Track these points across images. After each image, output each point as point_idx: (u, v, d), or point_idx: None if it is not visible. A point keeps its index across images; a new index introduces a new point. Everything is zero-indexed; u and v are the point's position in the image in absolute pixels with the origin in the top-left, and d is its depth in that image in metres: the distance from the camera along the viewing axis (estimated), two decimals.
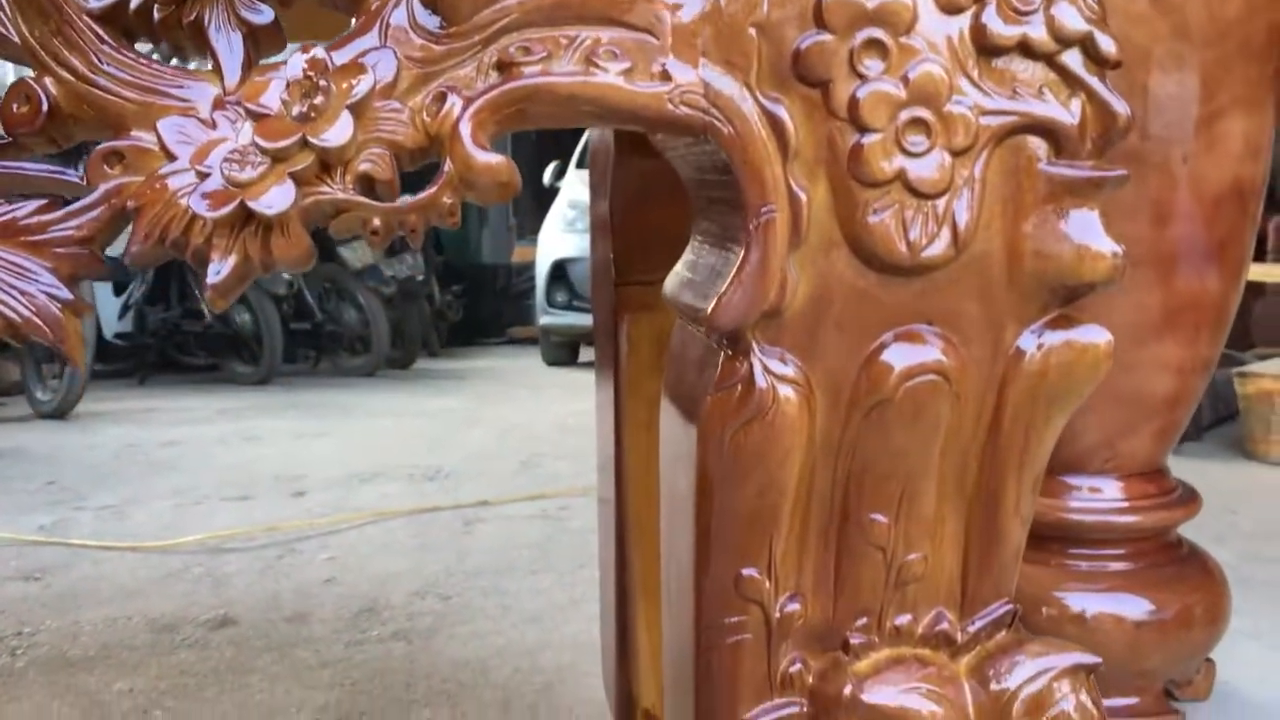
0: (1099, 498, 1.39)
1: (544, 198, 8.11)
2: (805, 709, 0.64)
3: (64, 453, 3.66)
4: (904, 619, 0.64)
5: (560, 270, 6.97)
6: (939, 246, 0.58)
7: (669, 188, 0.80)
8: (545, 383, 5.91)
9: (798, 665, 0.64)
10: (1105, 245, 0.59)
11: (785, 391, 0.59)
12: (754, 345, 0.59)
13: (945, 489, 0.62)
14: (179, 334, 6.46)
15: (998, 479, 0.63)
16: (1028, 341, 0.61)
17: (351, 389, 5.83)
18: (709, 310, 0.58)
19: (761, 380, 0.59)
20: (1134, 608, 1.36)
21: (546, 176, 8.40)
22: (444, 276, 8.67)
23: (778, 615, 0.63)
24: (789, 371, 0.59)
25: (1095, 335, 0.61)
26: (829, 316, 0.59)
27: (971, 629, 0.64)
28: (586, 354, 6.60)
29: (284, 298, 6.47)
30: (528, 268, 8.63)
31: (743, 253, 0.58)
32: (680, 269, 0.71)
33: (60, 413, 4.63)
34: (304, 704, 1.58)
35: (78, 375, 4.63)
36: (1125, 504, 1.39)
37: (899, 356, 0.59)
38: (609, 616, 1.18)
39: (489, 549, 2.38)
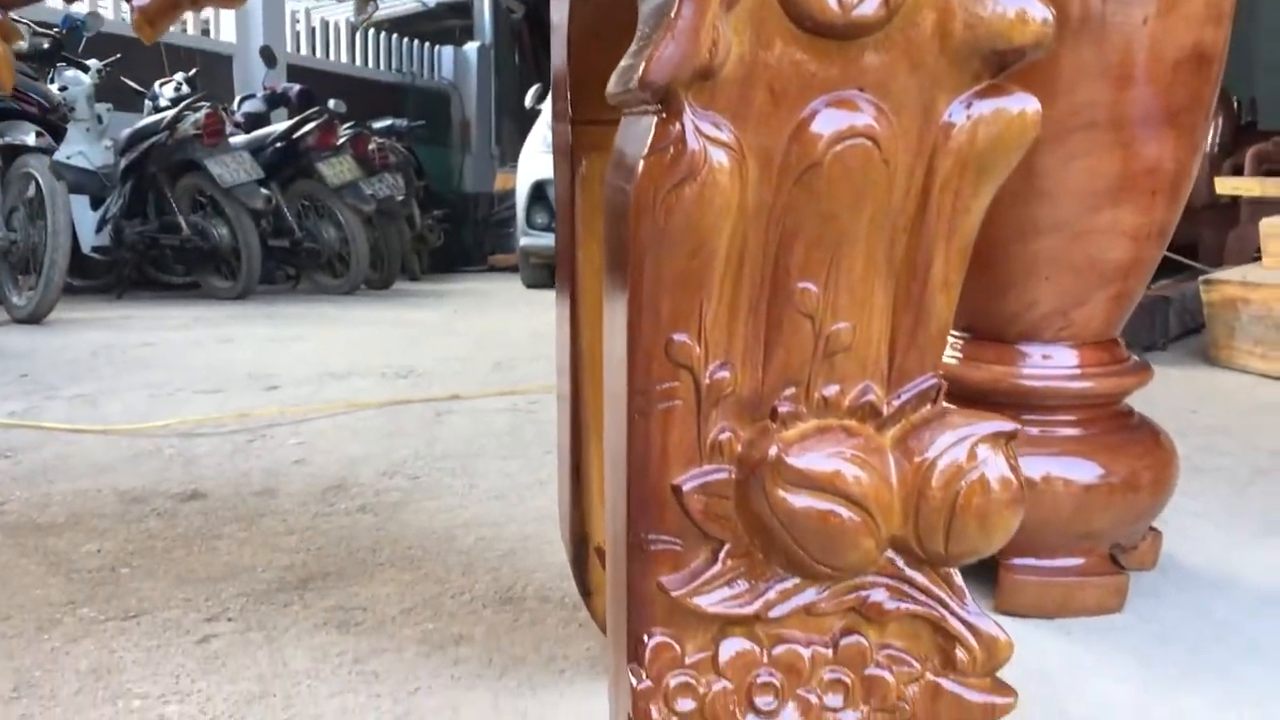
0: (1052, 364, 1.41)
1: (527, 126, 8.06)
2: (733, 475, 0.65)
3: (38, 352, 3.65)
4: (831, 390, 0.65)
5: (540, 191, 6.95)
6: (870, 6, 0.58)
7: (624, 26, 0.80)
8: (523, 300, 5.92)
9: (727, 434, 0.65)
10: (1037, 10, 0.60)
11: (717, 155, 0.60)
12: (687, 107, 0.60)
13: (874, 259, 0.63)
14: (156, 248, 6.42)
15: (926, 250, 0.64)
16: (958, 111, 0.62)
17: (329, 303, 5.82)
18: (641, 68, 0.59)
19: (694, 142, 0.59)
20: (1082, 471, 1.39)
21: (528, 100, 8.35)
22: (426, 202, 8.63)
23: (707, 382, 0.64)
24: (722, 135, 0.60)
25: (1024, 102, 0.62)
26: (761, 81, 0.60)
27: (897, 402, 0.66)
28: None
29: (262, 213, 6.43)
30: (510, 195, 8.61)
31: (676, 7, 0.58)
32: (624, 60, 0.72)
33: (35, 318, 4.62)
34: (270, 564, 1.60)
35: (53, 281, 4.61)
36: (1078, 370, 1.41)
37: (830, 122, 0.60)
38: (565, 467, 1.20)
39: (459, 436, 2.39)
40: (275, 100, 7.67)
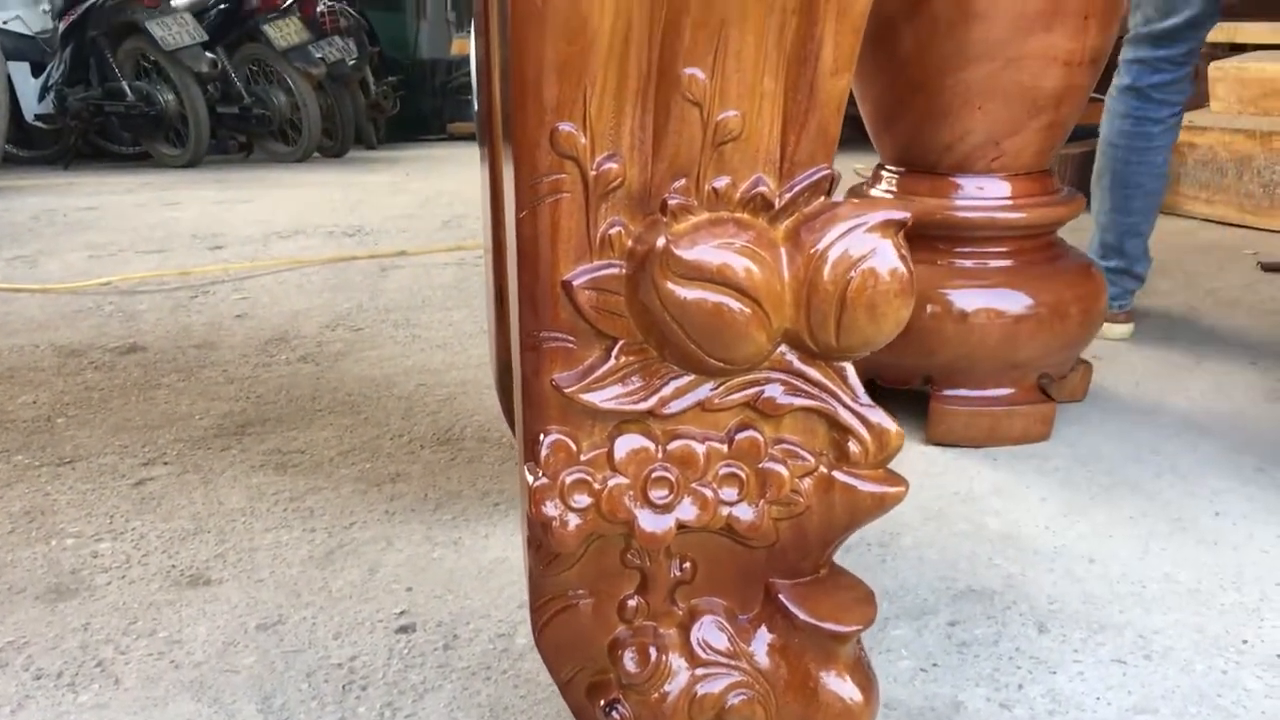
0: (984, 195, 1.40)
1: None
2: (624, 269, 0.64)
3: None
4: (722, 181, 0.64)
5: None
6: None
7: None
8: (478, 165, 5.82)
9: (617, 228, 0.64)
10: None
11: None
12: None
13: (763, 43, 0.62)
14: (101, 116, 6.23)
15: (816, 31, 0.62)
16: None
17: (281, 169, 5.71)
18: None
19: None
20: (1012, 302, 1.40)
21: None
22: (380, 68, 8.39)
23: (594, 173, 0.63)
24: None
25: None
26: None
27: (789, 193, 0.65)
28: None
29: (208, 77, 6.24)
30: (467, 61, 8.38)
31: None
32: None
33: None
34: (208, 412, 1.60)
35: None
36: (1010, 201, 1.40)
37: None
38: (490, 294, 1.19)
39: (403, 289, 2.38)
40: None
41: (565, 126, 0.62)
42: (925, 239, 1.44)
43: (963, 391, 1.44)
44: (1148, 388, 1.64)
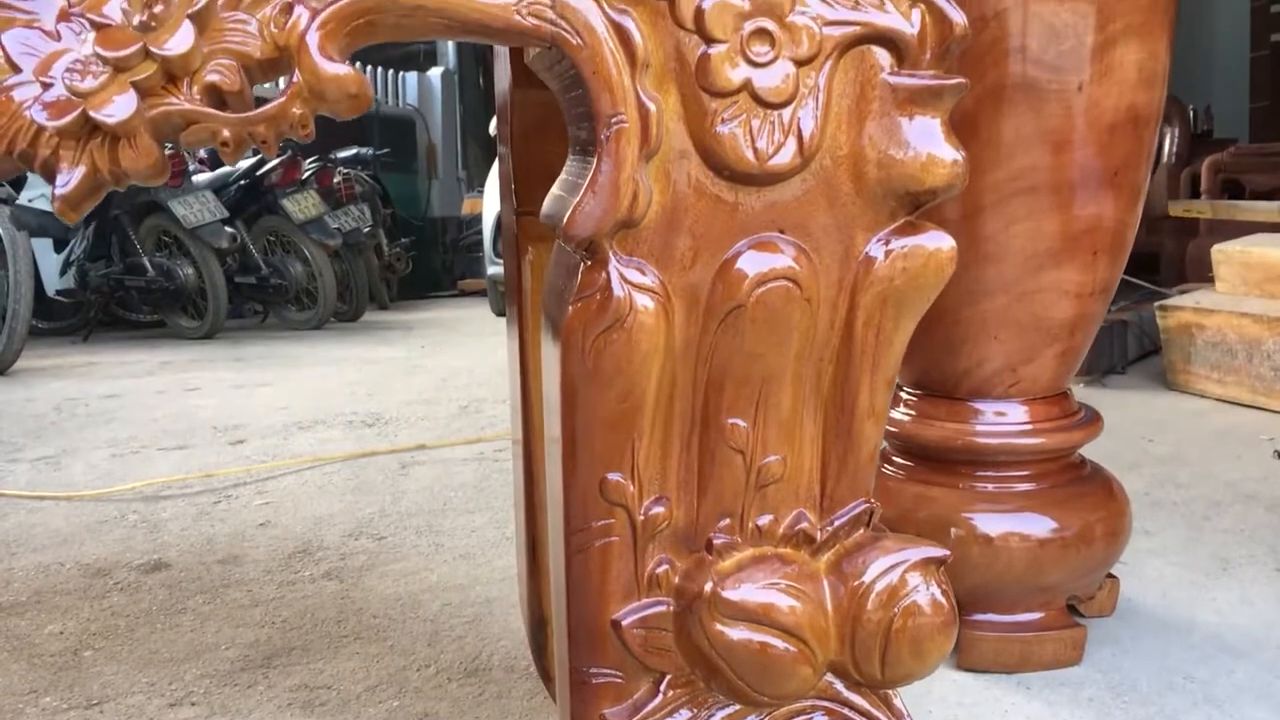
0: (1004, 421, 1.43)
1: (493, 151, 8.04)
2: (672, 607, 0.66)
3: (2, 407, 3.62)
4: (765, 519, 0.66)
5: None
6: (785, 155, 0.60)
7: (564, 126, 0.81)
8: (491, 330, 5.91)
9: (664, 566, 0.66)
10: (946, 152, 0.61)
11: (643, 300, 0.61)
12: (611, 255, 0.61)
13: (802, 392, 0.65)
14: (122, 289, 6.38)
15: (852, 382, 0.65)
16: (876, 249, 0.63)
17: (297, 341, 5.80)
18: (565, 220, 0.60)
19: (619, 289, 0.60)
20: (1037, 526, 1.40)
21: (492, 126, 8.33)
22: (393, 229, 8.62)
23: (642, 518, 0.65)
24: (646, 280, 0.61)
25: (939, 240, 0.63)
26: (683, 225, 0.61)
27: (830, 528, 0.67)
28: None
29: (228, 252, 6.40)
30: (477, 220, 8.61)
31: (595, 162, 0.59)
32: (555, 188, 0.73)
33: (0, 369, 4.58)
34: (234, 641, 1.60)
35: (16, 332, 4.57)
36: (1029, 426, 1.42)
37: (752, 263, 0.61)
38: (521, 543, 1.20)
39: (424, 490, 2.39)
40: None
41: (614, 476, 0.65)
42: (946, 463, 1.45)
43: (991, 616, 1.43)
44: (1175, 599, 1.63)
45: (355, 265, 7.38)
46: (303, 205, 6.76)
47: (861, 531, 0.67)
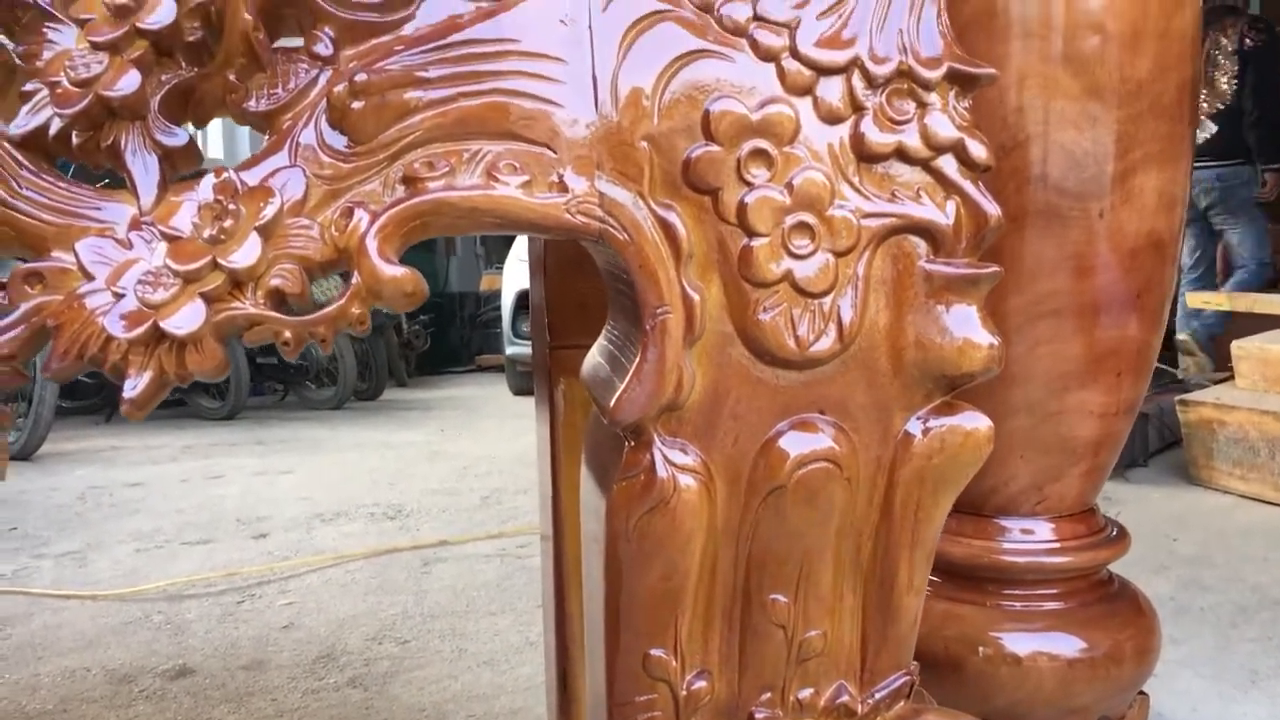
0: (1031, 539, 1.43)
1: None
2: None
3: (27, 496, 3.64)
4: (806, 693, 0.67)
5: (525, 300, 7.00)
6: (826, 342, 0.61)
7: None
8: (510, 412, 5.93)
9: None
10: (983, 338, 0.63)
11: (686, 480, 0.62)
12: (655, 437, 0.62)
13: (841, 568, 0.66)
14: None
15: (891, 557, 0.66)
16: (914, 427, 0.64)
17: (318, 422, 5.82)
18: (610, 405, 0.61)
19: (663, 470, 0.62)
20: (1067, 646, 1.40)
21: None
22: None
23: (685, 693, 0.66)
24: (689, 461, 0.62)
25: (977, 421, 0.64)
26: (725, 407, 0.63)
27: (871, 700, 0.68)
28: None
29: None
30: (495, 295, 8.68)
31: (641, 349, 0.61)
32: (596, 352, 0.75)
33: (25, 454, 4.60)
34: None
35: (42, 418, 4.60)
36: (1056, 545, 1.42)
37: (793, 444, 0.63)
38: (551, 659, 1.20)
39: (447, 589, 2.39)
40: None
41: (657, 651, 0.65)
42: (974, 580, 1.45)
43: None
44: (1205, 713, 1.61)
45: (375, 344, 7.44)
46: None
47: (902, 704, 0.68)
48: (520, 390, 7.20)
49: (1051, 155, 1.30)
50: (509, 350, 7.14)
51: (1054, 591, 1.44)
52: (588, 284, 1.08)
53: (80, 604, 2.36)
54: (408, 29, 0.60)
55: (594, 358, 0.74)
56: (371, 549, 2.73)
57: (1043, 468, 1.41)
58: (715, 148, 0.60)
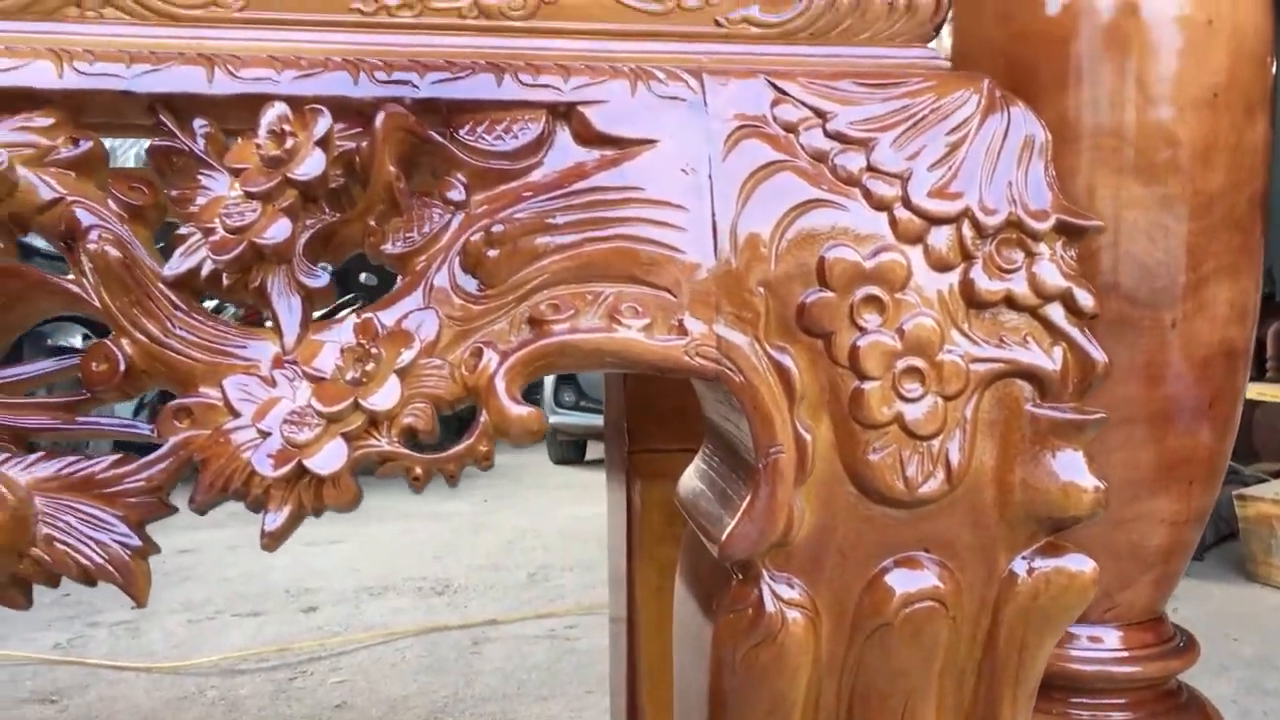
0: (1100, 647, 1.42)
1: None
2: None
3: None
4: None
5: (566, 372, 7.03)
6: (934, 484, 0.63)
7: None
8: (553, 483, 5.94)
9: None
10: (1088, 481, 0.64)
11: (793, 615, 0.63)
12: (763, 572, 0.63)
13: (944, 705, 0.66)
14: None
15: (994, 696, 0.66)
16: (1019, 567, 0.65)
17: (367, 488, 5.84)
18: (721, 540, 0.63)
19: (770, 605, 0.63)
20: None
21: None
22: None
23: None
24: (796, 595, 0.64)
25: (1082, 564, 0.65)
26: (833, 544, 0.64)
27: None
28: (594, 450, 6.65)
29: None
30: None
31: (753, 488, 0.62)
32: (694, 475, 0.77)
33: None
34: None
35: None
36: (1125, 654, 1.41)
37: (899, 582, 0.64)
38: None
39: (497, 671, 2.39)
40: None
41: None
42: (1041, 688, 1.44)
43: None
44: None
45: None
46: None
47: None
48: (560, 459, 7.22)
49: (1123, 265, 1.32)
50: (551, 420, 7.16)
51: (1122, 701, 1.43)
52: (666, 393, 1.10)
53: (135, 676, 2.38)
54: (535, 175, 0.62)
55: (693, 481, 0.76)
56: (421, 626, 2.74)
57: (1113, 575, 1.40)
58: (829, 293, 0.62)
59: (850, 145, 0.63)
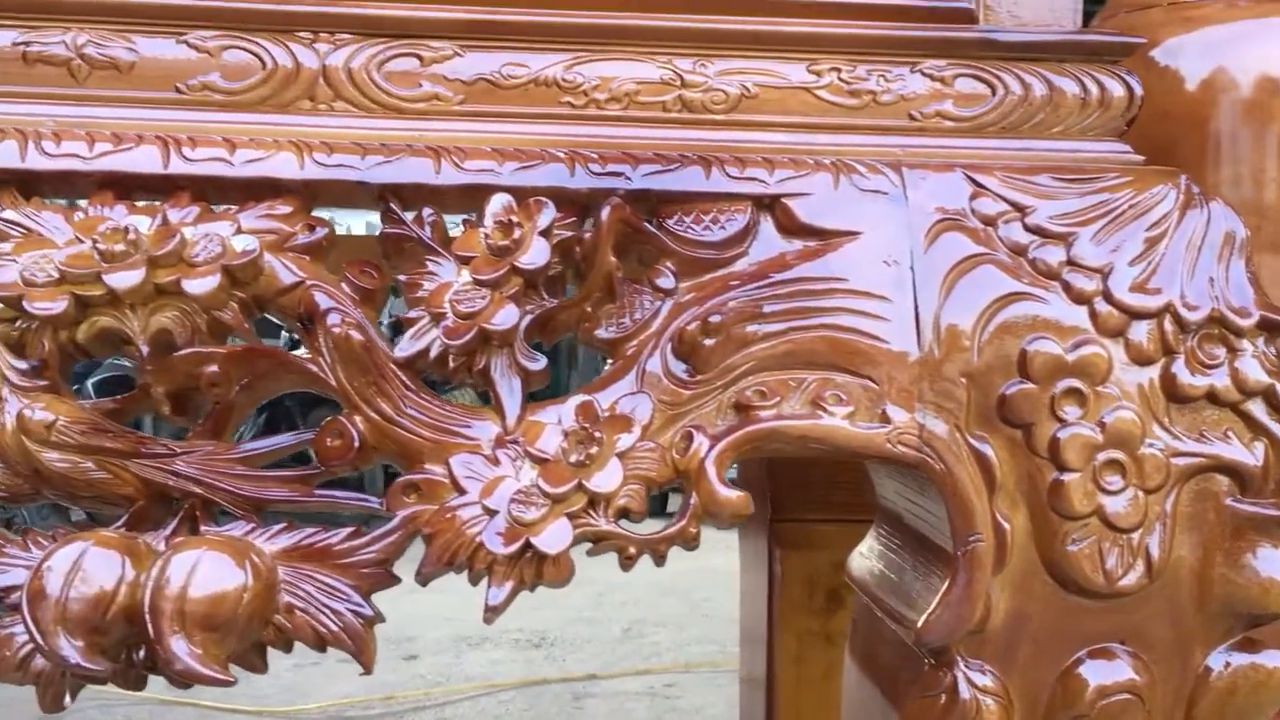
0: None
1: None
2: None
3: None
4: None
5: None
6: (1134, 576, 0.63)
7: None
8: None
9: None
10: None
11: (987, 702, 0.64)
12: (958, 659, 0.64)
13: None
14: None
15: None
16: (1215, 662, 0.65)
17: None
18: (918, 626, 0.64)
19: (965, 692, 0.64)
20: None
21: None
22: None
23: None
24: (989, 683, 0.64)
25: (1278, 660, 0.65)
26: (1027, 633, 0.64)
27: None
28: (672, 504, 6.60)
29: None
30: None
31: (950, 575, 0.63)
32: (870, 555, 0.77)
33: None
34: None
35: None
36: None
37: (1094, 673, 0.64)
38: None
39: None
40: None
41: None
42: None
43: None
44: None
45: None
46: (460, 400, 7.01)
47: None
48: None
49: None
50: None
51: None
52: (818, 461, 1.11)
53: (246, 718, 2.43)
54: (739, 264, 0.65)
55: (869, 562, 0.77)
56: (521, 679, 2.76)
57: None
58: (1030, 385, 0.63)
59: (1050, 239, 0.65)
